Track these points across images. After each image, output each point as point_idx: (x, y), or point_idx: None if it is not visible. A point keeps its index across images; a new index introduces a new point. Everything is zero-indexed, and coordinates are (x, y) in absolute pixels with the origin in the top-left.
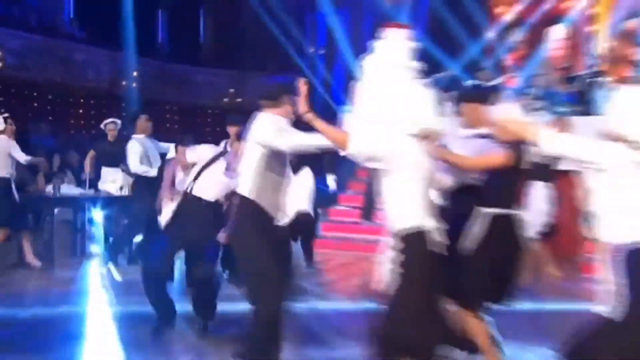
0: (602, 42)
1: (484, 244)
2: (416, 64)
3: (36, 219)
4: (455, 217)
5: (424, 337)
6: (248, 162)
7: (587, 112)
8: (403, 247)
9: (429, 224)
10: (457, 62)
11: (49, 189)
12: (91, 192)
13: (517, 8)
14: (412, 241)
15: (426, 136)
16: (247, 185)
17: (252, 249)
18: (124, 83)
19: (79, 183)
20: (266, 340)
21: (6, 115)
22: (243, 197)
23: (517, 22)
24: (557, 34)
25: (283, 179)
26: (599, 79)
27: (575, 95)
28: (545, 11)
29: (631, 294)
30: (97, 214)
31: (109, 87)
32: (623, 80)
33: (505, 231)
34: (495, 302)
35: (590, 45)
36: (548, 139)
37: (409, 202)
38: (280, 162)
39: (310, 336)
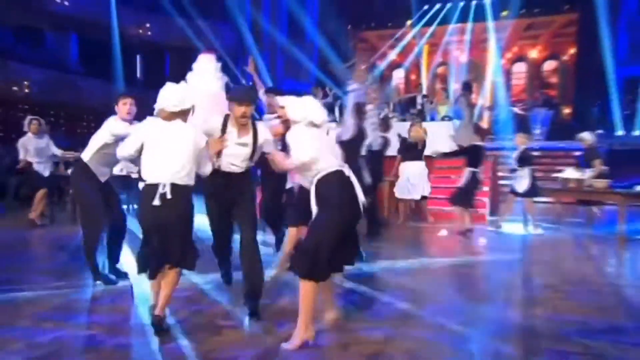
0: (426, 79)
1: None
2: (221, 75)
3: (61, 193)
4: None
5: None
6: (94, 141)
7: (422, 120)
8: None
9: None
10: (339, 89)
11: (69, 171)
12: None
13: (374, 57)
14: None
15: (164, 115)
16: (88, 154)
17: (81, 192)
18: (114, 104)
19: None
20: (92, 250)
21: (31, 117)
22: (82, 160)
23: (373, 66)
24: (399, 75)
25: (112, 159)
26: (426, 100)
27: (415, 111)
28: (390, 61)
29: (317, 204)
30: None
31: (103, 107)
32: (439, 101)
33: None
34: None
35: (420, 81)
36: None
37: (145, 163)
38: (114, 148)
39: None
